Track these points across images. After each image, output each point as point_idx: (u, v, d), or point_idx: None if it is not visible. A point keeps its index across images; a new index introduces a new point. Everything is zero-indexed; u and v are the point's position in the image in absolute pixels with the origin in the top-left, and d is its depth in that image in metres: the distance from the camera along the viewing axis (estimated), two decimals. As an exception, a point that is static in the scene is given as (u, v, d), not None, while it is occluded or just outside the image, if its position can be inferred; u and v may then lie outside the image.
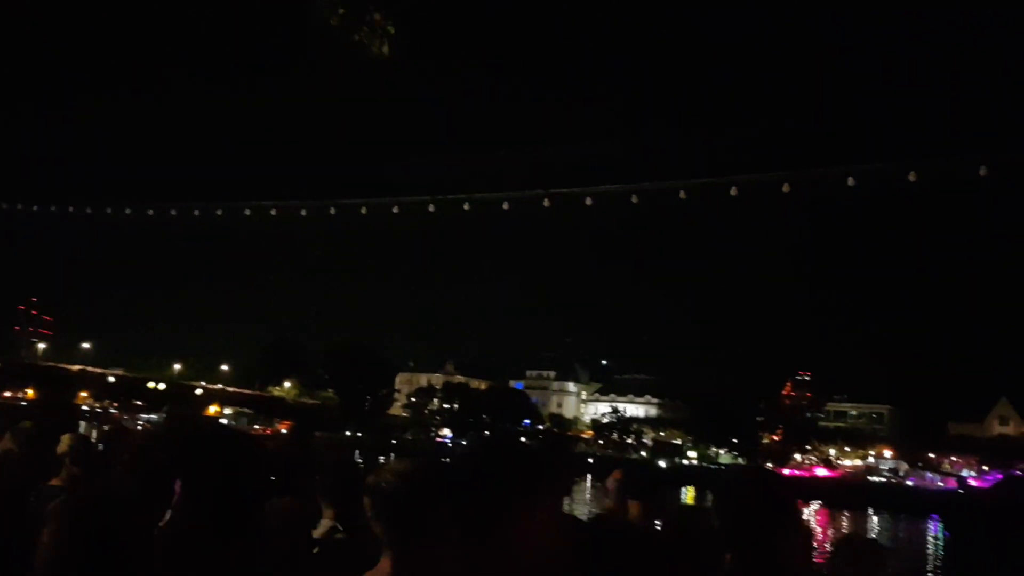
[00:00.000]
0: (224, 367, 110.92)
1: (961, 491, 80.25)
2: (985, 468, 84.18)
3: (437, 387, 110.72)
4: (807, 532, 3.70)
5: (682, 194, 42.08)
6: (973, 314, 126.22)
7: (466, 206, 46.62)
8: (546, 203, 43.77)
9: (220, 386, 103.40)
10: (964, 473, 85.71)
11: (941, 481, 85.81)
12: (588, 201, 43.39)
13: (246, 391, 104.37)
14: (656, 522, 4.39)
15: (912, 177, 40.89)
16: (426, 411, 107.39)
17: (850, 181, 40.56)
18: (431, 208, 49.90)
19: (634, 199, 42.84)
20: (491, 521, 2.21)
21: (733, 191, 42.92)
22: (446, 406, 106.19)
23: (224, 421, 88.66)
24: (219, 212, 56.49)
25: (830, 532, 52.28)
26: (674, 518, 3.95)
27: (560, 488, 2.43)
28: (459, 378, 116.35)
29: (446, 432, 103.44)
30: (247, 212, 56.45)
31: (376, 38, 10.08)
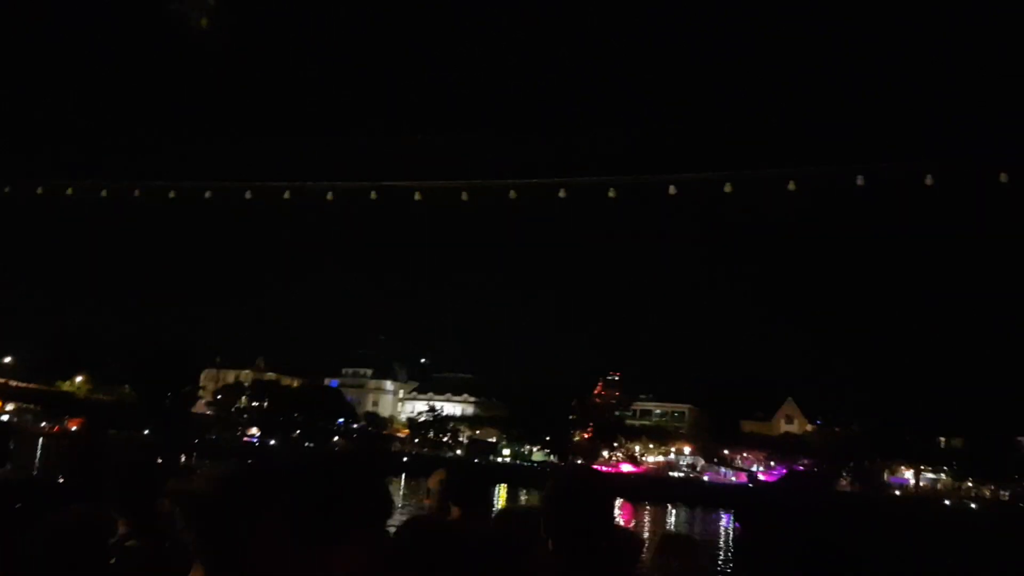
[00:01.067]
0: (7, 359, 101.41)
1: (750, 485, 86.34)
2: (772, 463, 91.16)
3: (246, 384, 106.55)
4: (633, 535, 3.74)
5: (512, 193, 42.38)
6: (766, 322, 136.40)
7: (287, 195, 44.90)
8: (373, 195, 42.84)
9: (2, 380, 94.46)
10: (754, 468, 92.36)
11: (733, 475, 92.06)
12: (417, 196, 42.81)
13: (31, 385, 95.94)
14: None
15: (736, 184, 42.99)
16: (233, 409, 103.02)
17: (671, 190, 42.23)
18: (248, 195, 47.73)
19: (464, 196, 42.72)
20: (314, 531, 2.15)
21: (562, 193, 43.69)
22: (255, 404, 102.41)
23: (5, 418, 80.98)
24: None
25: (632, 524, 54.63)
26: (501, 519, 3.95)
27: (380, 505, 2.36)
28: (270, 375, 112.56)
29: (254, 431, 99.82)
30: (39, 191, 51.56)
31: (195, 8, 9.34)
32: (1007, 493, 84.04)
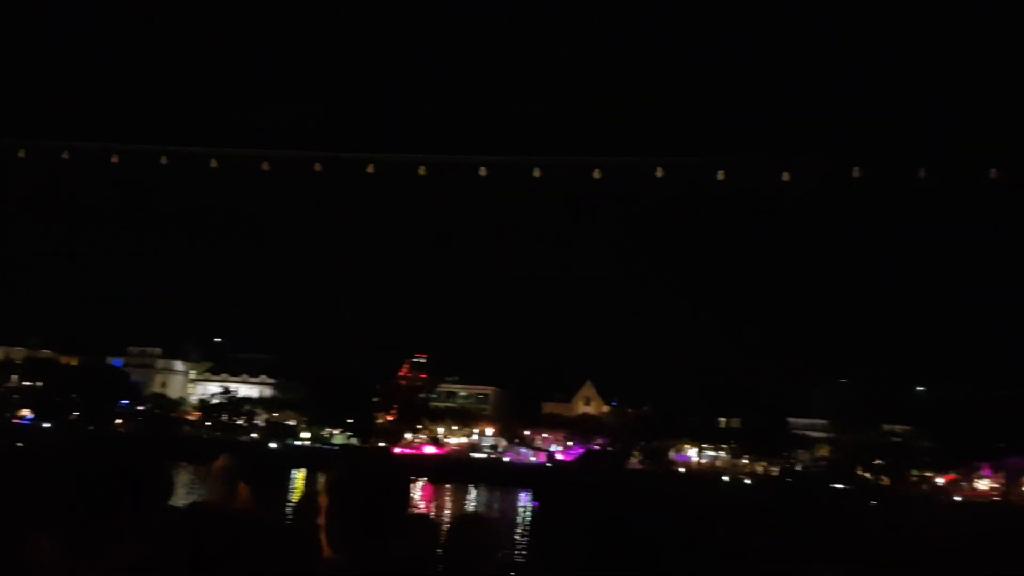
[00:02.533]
0: None
1: (549, 464, 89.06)
2: (570, 443, 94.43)
3: (17, 362, 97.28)
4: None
5: (318, 166, 40.47)
6: (567, 308, 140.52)
7: (65, 155, 40.75)
8: (164, 160, 39.69)
9: None
10: (553, 448, 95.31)
11: (533, 456, 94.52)
12: (213, 163, 40.06)
13: None
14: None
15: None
16: (2, 389, 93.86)
17: (481, 172, 42.16)
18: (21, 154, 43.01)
19: (265, 165, 40.41)
20: (89, 519, 2.10)
21: (370, 168, 42.44)
22: (27, 384, 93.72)
23: None
24: None
25: (433, 506, 54.66)
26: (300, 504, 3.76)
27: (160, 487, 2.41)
28: (45, 353, 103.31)
29: (26, 413, 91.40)
30: None
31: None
32: (777, 469, 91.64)
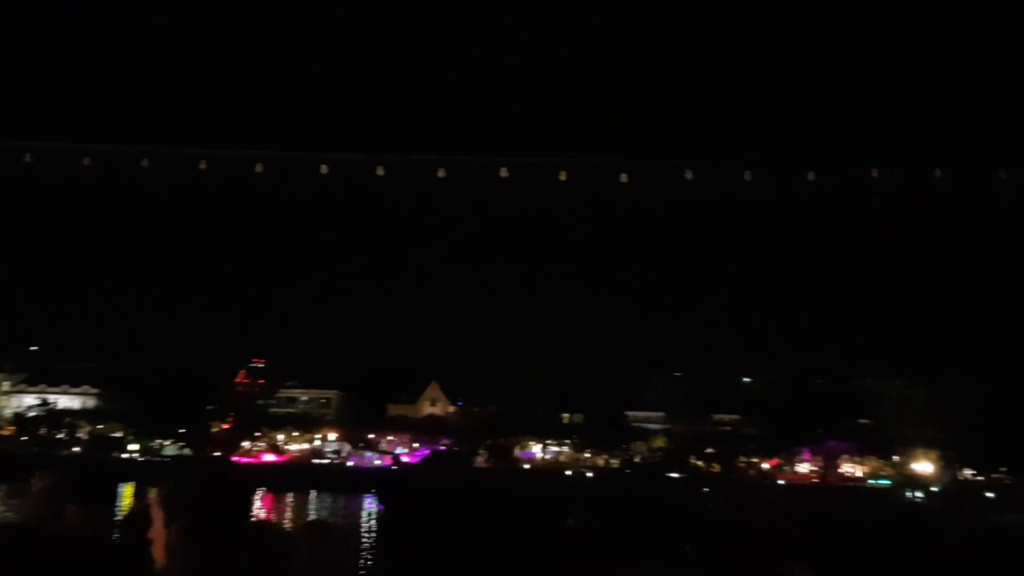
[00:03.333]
0: None
1: (394, 467, 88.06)
2: (416, 445, 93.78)
3: None
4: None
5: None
6: (411, 309, 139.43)
7: None
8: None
9: None
10: (398, 450, 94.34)
11: (379, 459, 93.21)
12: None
13: None
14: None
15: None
16: None
17: (322, 170, 40.97)
18: None
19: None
20: None
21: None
22: None
23: None
24: None
25: (274, 515, 52.79)
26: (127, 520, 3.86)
27: None
28: None
29: None
30: None
31: None
32: (617, 461, 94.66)
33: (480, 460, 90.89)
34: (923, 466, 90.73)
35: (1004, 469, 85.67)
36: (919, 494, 79.75)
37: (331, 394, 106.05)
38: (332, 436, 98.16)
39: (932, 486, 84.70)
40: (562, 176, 50.92)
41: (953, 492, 78.60)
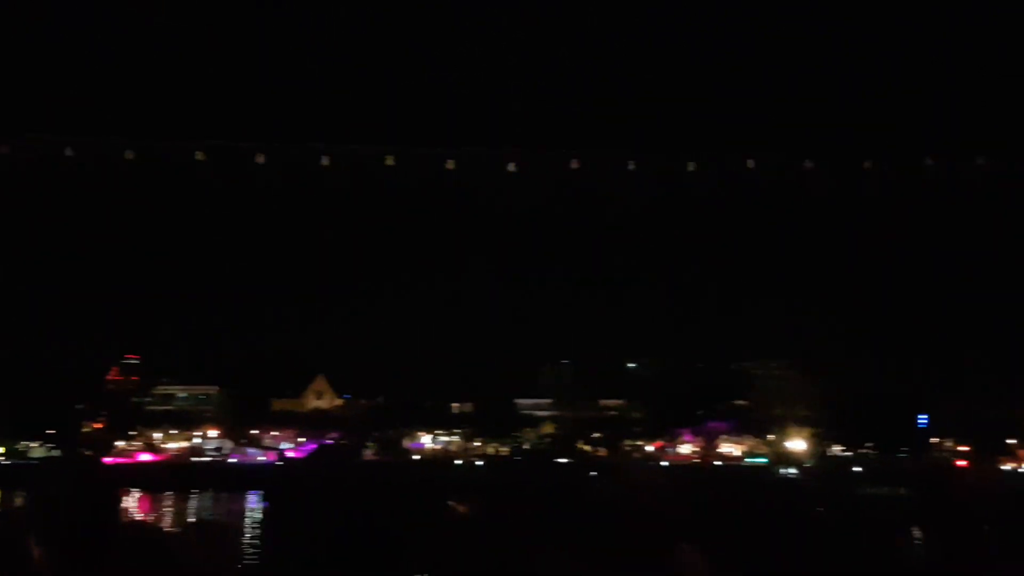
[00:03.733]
0: None
1: (279, 463, 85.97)
2: (302, 439, 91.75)
3: None
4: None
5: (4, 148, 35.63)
6: (295, 301, 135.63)
7: None
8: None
9: None
10: (283, 446, 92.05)
11: (263, 455, 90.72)
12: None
13: None
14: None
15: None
16: None
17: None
18: None
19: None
20: None
21: (68, 151, 38.27)
22: None
23: None
24: None
25: (151, 515, 50.65)
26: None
27: None
28: None
29: None
30: None
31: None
32: (507, 448, 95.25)
33: (369, 453, 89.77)
34: (796, 444, 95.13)
35: (870, 445, 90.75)
36: (792, 470, 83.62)
37: (211, 390, 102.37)
38: (213, 433, 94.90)
39: (804, 462, 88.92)
40: (450, 165, 50.83)
41: (823, 467, 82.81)
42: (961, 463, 77.86)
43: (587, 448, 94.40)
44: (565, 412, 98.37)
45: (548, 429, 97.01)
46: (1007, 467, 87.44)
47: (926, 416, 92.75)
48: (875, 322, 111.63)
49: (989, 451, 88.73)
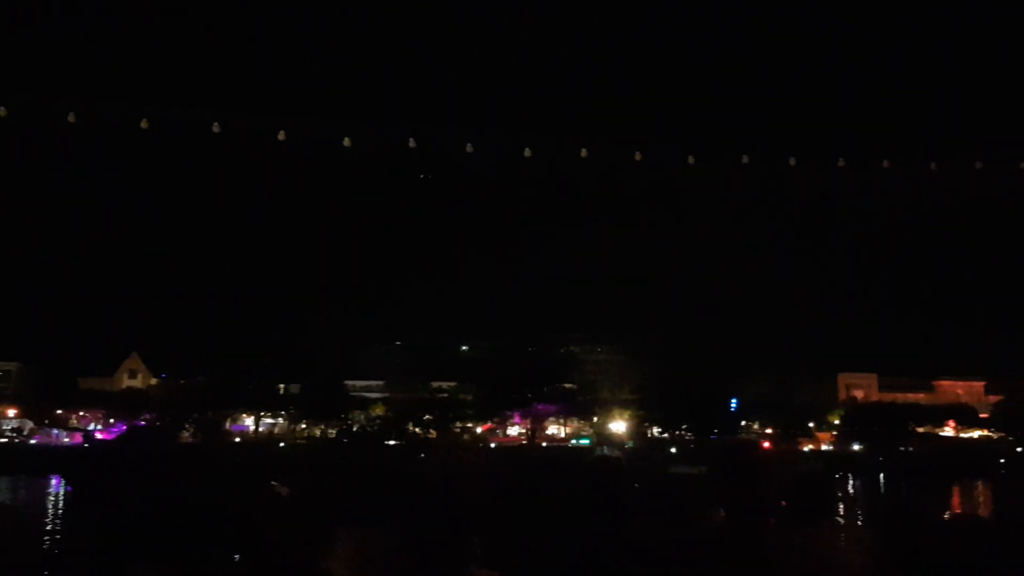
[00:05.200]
0: None
1: (86, 445, 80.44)
2: (112, 420, 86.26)
3: None
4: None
5: None
6: (110, 271, 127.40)
7: None
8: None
9: None
10: (92, 427, 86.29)
11: (68, 437, 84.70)
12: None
13: None
14: None
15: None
16: None
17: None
18: None
19: None
20: None
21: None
22: None
23: None
24: None
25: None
26: None
27: None
28: None
29: None
30: None
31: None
32: (334, 431, 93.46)
33: (186, 435, 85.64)
34: (618, 425, 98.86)
35: (685, 427, 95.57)
36: (608, 449, 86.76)
37: (11, 366, 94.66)
38: (11, 413, 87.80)
39: (625, 443, 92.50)
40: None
41: (642, 448, 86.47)
42: (765, 444, 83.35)
43: (417, 430, 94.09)
44: (396, 394, 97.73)
45: (378, 411, 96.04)
46: (806, 448, 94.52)
47: (736, 400, 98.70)
48: (696, 311, 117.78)
49: (791, 432, 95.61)
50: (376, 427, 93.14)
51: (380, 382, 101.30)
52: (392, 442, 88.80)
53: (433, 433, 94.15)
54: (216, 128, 48.31)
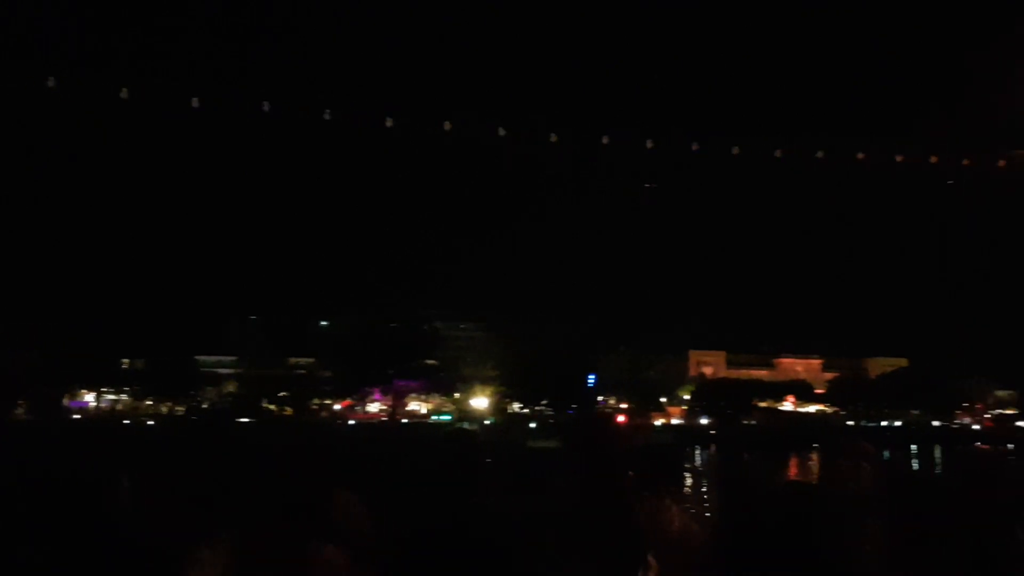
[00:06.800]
0: None
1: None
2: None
3: None
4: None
5: None
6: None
7: None
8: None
9: None
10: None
11: None
12: None
13: None
14: None
15: None
16: None
17: None
18: None
19: None
20: None
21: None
22: None
23: None
24: None
25: None
26: None
27: None
28: None
29: None
30: None
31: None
32: (183, 408, 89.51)
33: (19, 412, 79.90)
34: (480, 401, 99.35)
35: (545, 403, 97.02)
36: (468, 425, 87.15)
37: None
38: None
39: (486, 419, 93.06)
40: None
41: (502, 423, 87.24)
42: (620, 417, 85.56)
43: (272, 407, 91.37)
44: (250, 370, 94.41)
45: (231, 388, 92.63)
46: (658, 421, 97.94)
47: (594, 376, 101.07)
48: (557, 290, 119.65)
49: (645, 407, 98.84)
50: (228, 404, 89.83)
51: (233, 358, 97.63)
52: (245, 420, 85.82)
53: (289, 411, 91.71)
54: None
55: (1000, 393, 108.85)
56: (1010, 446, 70.64)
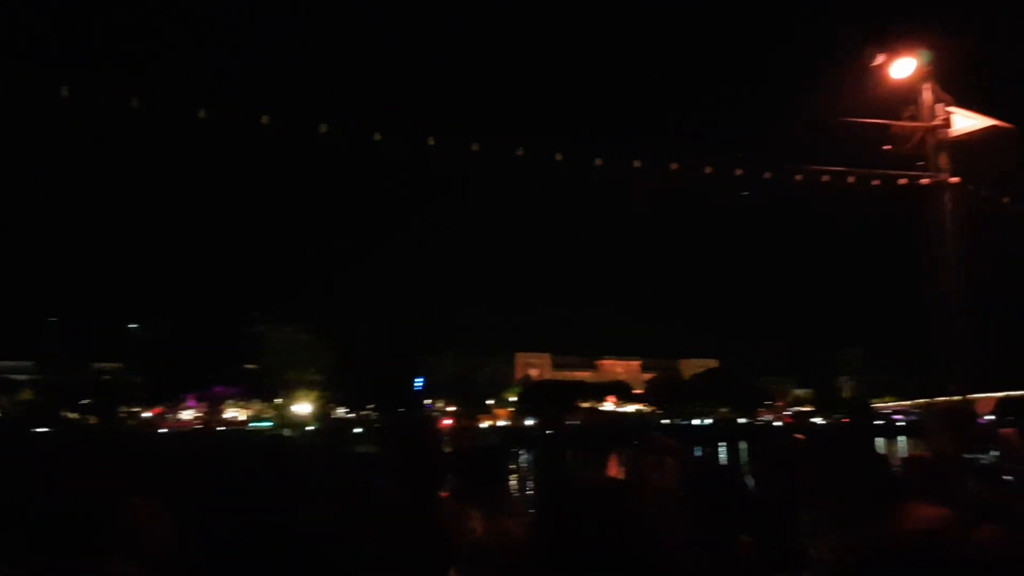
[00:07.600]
0: None
1: None
2: None
3: None
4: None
5: None
6: None
7: None
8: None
9: None
10: None
11: None
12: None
13: None
14: None
15: None
16: None
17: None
18: None
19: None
20: None
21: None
22: None
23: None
24: None
25: None
26: None
27: None
28: None
29: None
30: None
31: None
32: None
33: None
34: (303, 407, 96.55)
35: (371, 407, 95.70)
36: (294, 432, 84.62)
37: None
38: None
39: (310, 425, 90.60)
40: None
41: (326, 429, 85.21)
42: (446, 421, 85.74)
43: (75, 416, 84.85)
44: (49, 376, 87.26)
45: (26, 395, 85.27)
46: (485, 424, 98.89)
47: (422, 379, 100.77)
48: (386, 292, 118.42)
49: (472, 410, 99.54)
50: (22, 413, 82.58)
51: (29, 363, 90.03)
52: (43, 430, 79.18)
53: (93, 419, 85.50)
54: None
55: (798, 392, 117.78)
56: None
